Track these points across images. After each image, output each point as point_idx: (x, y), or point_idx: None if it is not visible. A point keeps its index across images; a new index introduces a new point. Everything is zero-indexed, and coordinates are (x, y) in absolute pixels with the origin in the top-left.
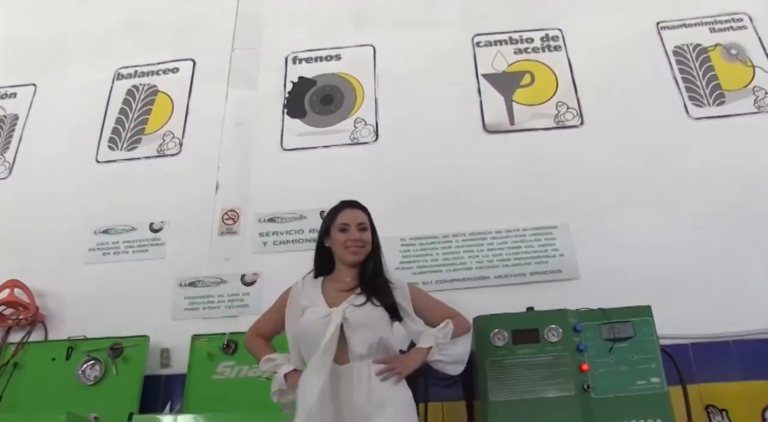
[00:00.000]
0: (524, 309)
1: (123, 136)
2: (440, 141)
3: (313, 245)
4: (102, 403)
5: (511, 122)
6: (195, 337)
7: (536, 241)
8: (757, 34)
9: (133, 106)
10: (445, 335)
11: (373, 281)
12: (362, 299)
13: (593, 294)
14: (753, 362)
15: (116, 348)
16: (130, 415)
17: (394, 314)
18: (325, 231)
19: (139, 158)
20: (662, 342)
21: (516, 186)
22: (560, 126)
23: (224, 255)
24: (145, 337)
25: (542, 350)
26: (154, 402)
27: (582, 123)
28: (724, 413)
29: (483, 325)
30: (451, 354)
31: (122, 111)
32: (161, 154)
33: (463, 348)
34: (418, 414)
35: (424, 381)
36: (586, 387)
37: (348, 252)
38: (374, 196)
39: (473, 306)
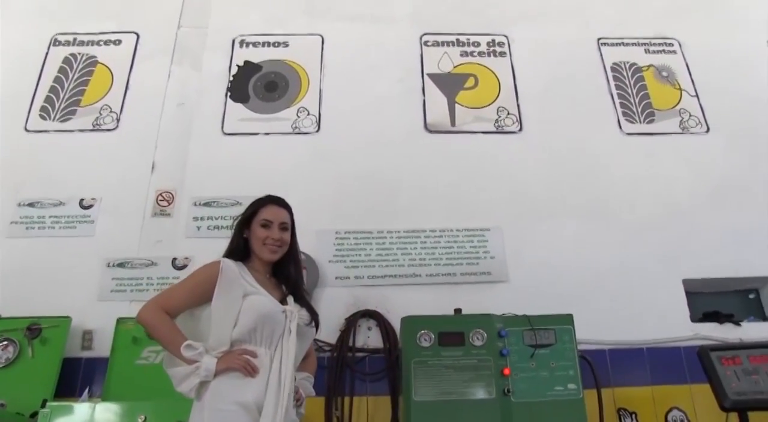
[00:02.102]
0: (453, 310)
1: (57, 106)
2: (381, 137)
3: None
4: (13, 388)
5: (453, 123)
6: (120, 320)
7: (468, 242)
8: (685, 59)
9: (70, 76)
10: (311, 386)
11: (300, 292)
12: (308, 316)
13: (520, 297)
14: (661, 368)
15: (34, 329)
16: (44, 402)
17: (317, 329)
18: (245, 222)
19: (72, 131)
20: (581, 347)
21: (453, 187)
22: (500, 131)
23: (156, 237)
24: (67, 318)
25: (467, 353)
26: (72, 387)
27: (521, 129)
28: (633, 415)
29: (410, 326)
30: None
31: (57, 79)
32: (97, 128)
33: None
34: (342, 408)
35: (351, 376)
36: (507, 390)
37: (266, 250)
38: (312, 186)
39: (403, 303)
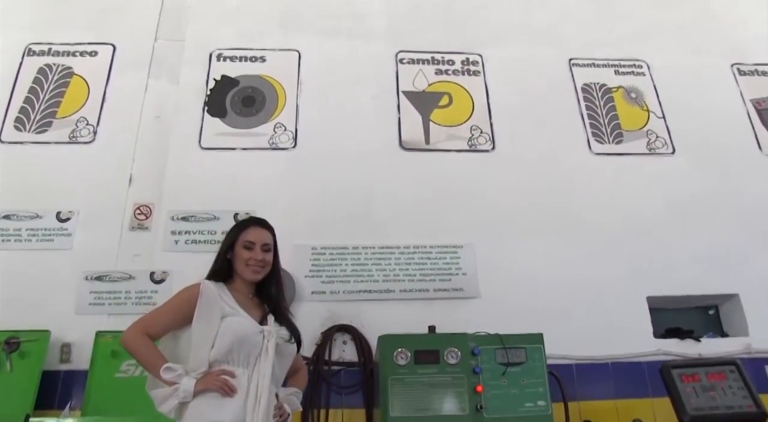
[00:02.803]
0: (426, 325)
1: (32, 117)
2: (357, 153)
3: None
4: None
5: (427, 141)
6: (99, 334)
7: (441, 259)
8: (653, 81)
9: (45, 87)
10: (299, 400)
11: (282, 311)
12: (288, 334)
13: (491, 313)
14: (625, 382)
15: (12, 343)
16: (27, 417)
17: (299, 347)
18: (229, 244)
19: (49, 142)
20: (550, 361)
21: (427, 204)
22: (473, 149)
23: (134, 250)
24: (46, 332)
25: (442, 371)
26: (52, 399)
27: (493, 148)
28: None
29: (387, 344)
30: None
31: (32, 90)
32: (73, 141)
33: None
34: (318, 420)
35: (327, 389)
36: (479, 407)
37: (249, 271)
38: (289, 202)
39: (377, 318)
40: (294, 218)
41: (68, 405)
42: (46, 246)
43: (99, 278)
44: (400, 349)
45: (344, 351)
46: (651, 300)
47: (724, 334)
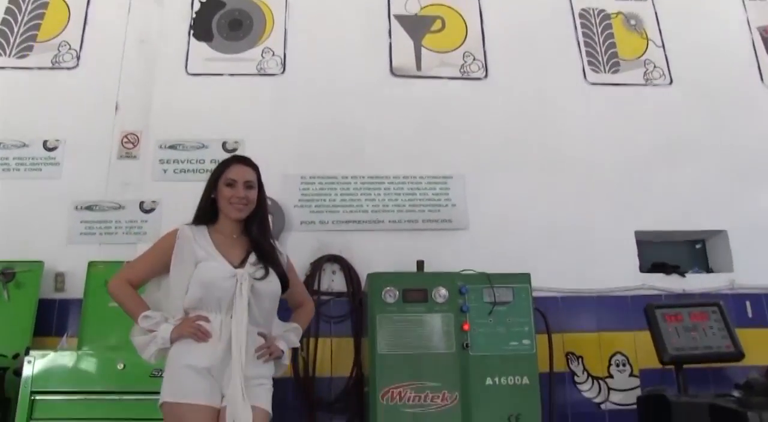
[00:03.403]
0: (414, 256)
1: (11, 41)
2: (347, 79)
3: None
4: None
5: (418, 67)
6: (91, 264)
7: (431, 190)
8: (654, 7)
9: (22, 8)
10: (298, 336)
11: (264, 247)
12: (263, 272)
13: (479, 245)
14: (608, 315)
15: (8, 273)
16: (27, 349)
17: (285, 286)
18: (213, 183)
19: (30, 68)
20: (536, 294)
21: (417, 133)
22: (465, 77)
23: (123, 179)
24: (40, 263)
25: (430, 309)
26: (49, 327)
27: (486, 76)
28: (580, 359)
29: (376, 282)
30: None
31: (9, 11)
32: (56, 66)
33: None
34: (308, 349)
35: (316, 318)
36: (465, 345)
37: (232, 209)
38: (278, 130)
39: (366, 248)
40: (283, 147)
41: (65, 335)
42: (35, 176)
43: (89, 208)
44: (388, 287)
45: (333, 281)
46: (639, 234)
47: (709, 270)
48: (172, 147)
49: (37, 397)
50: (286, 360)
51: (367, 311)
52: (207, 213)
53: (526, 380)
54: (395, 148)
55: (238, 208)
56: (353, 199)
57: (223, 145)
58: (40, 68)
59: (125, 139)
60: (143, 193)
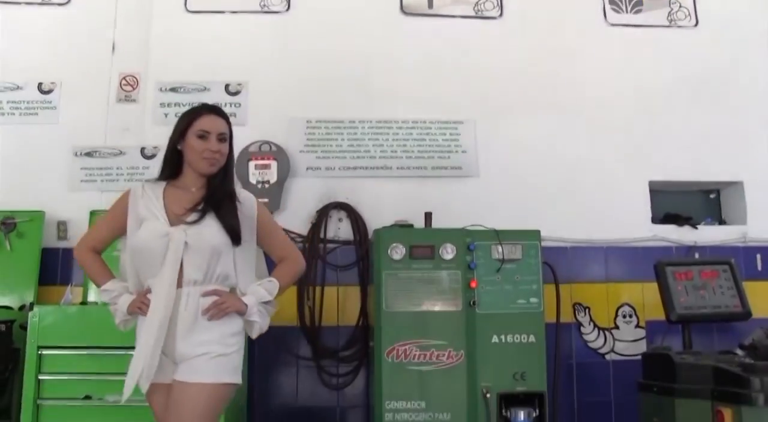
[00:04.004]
0: (423, 204)
1: None
2: (355, 19)
3: None
4: None
5: (430, 5)
6: (93, 213)
7: (441, 135)
8: None
9: None
10: (270, 292)
11: (219, 196)
12: (197, 216)
13: (489, 193)
14: (617, 266)
15: (9, 223)
16: (31, 305)
17: (235, 238)
18: (180, 133)
19: (18, 2)
20: (544, 243)
21: (427, 75)
22: (479, 16)
23: (123, 124)
24: (41, 212)
25: (437, 266)
26: (54, 276)
27: (501, 15)
28: (587, 310)
29: (382, 238)
30: (267, 313)
31: None
32: (46, 2)
33: (274, 306)
34: (314, 298)
35: (322, 266)
36: (472, 303)
37: (204, 163)
38: (282, 72)
39: (373, 195)
40: (288, 89)
41: (69, 286)
42: (31, 121)
43: (89, 154)
44: (395, 244)
45: (339, 228)
46: (653, 184)
47: (722, 222)
48: (173, 90)
49: (44, 352)
50: (255, 316)
51: (373, 267)
52: (173, 167)
53: (532, 338)
54: (404, 92)
55: (210, 162)
56: (360, 144)
57: (226, 87)
58: (28, 3)
59: (124, 81)
60: (144, 139)
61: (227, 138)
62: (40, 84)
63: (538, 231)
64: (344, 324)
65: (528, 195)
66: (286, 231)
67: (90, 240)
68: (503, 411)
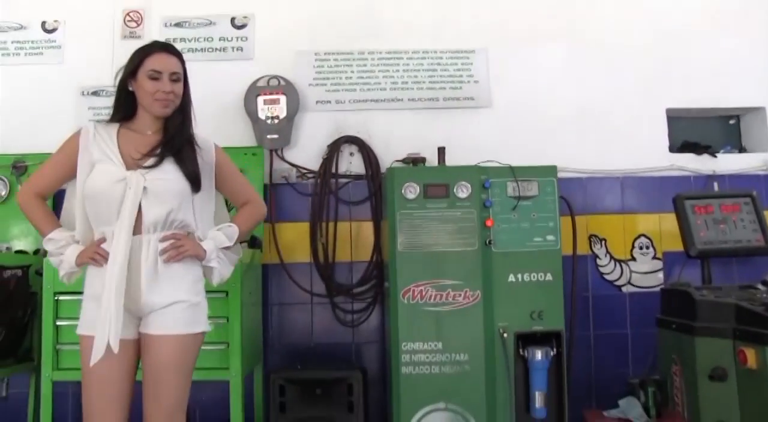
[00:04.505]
0: (435, 137)
1: None
2: None
3: (222, 54)
4: (11, 226)
5: None
6: None
7: (452, 65)
8: None
9: None
10: (230, 237)
11: (177, 141)
12: (154, 161)
13: (502, 124)
14: (634, 197)
15: (20, 167)
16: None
17: (195, 184)
18: (130, 73)
19: None
20: (560, 175)
21: (437, 3)
22: None
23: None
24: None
25: (451, 205)
26: None
27: None
28: (603, 241)
29: (396, 177)
30: (228, 260)
31: None
32: None
33: (237, 253)
34: (327, 234)
35: (335, 201)
36: (488, 241)
37: (157, 105)
38: (288, 2)
39: (385, 128)
40: (294, 21)
41: None
42: (36, 61)
43: (95, 93)
44: (408, 183)
45: (351, 163)
46: (670, 111)
47: (742, 149)
48: (178, 25)
49: (61, 298)
50: (213, 262)
51: (387, 207)
52: (126, 108)
53: (549, 276)
54: (414, 21)
55: (163, 103)
56: (371, 77)
57: (232, 20)
58: None
59: (128, 17)
60: None
61: (181, 78)
62: (43, 23)
63: (555, 167)
64: (358, 260)
65: (542, 125)
66: (297, 166)
67: (34, 185)
68: (520, 350)
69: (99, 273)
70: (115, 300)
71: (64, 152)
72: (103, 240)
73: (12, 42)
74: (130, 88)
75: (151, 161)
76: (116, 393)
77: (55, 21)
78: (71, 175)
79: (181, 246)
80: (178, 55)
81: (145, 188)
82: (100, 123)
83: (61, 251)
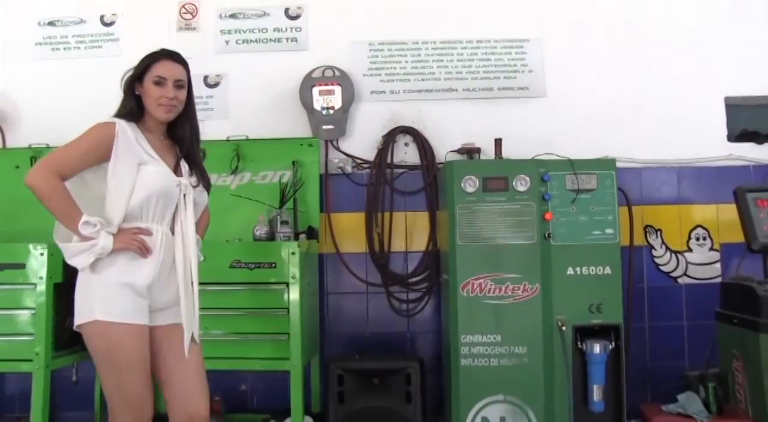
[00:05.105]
0: (490, 127)
1: None
2: None
3: (276, 45)
4: None
5: None
6: None
7: (507, 55)
8: None
9: None
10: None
11: (195, 156)
12: (196, 181)
13: (557, 114)
14: (691, 187)
15: None
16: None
17: (209, 192)
18: (137, 78)
19: None
20: (618, 164)
21: None
22: None
23: (184, 53)
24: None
25: (510, 198)
26: None
27: None
28: (659, 232)
29: (455, 170)
30: None
31: None
32: None
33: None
34: (382, 224)
35: (390, 192)
36: (547, 235)
37: (161, 110)
38: None
39: (439, 118)
40: (349, 11)
41: None
42: (96, 54)
43: None
44: (468, 176)
45: (406, 153)
46: (729, 100)
47: None
48: (232, 16)
49: None
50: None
51: (446, 200)
52: (134, 111)
53: (608, 270)
54: (468, 10)
55: (167, 108)
56: (425, 66)
57: (286, 11)
58: None
59: (183, 9)
60: (206, 67)
61: (185, 85)
62: (102, 16)
63: (614, 161)
64: (413, 250)
65: (596, 114)
66: (353, 157)
67: (58, 167)
68: (579, 343)
69: (138, 263)
70: (186, 292)
71: (95, 143)
72: (142, 232)
73: (73, 36)
74: (137, 92)
75: (194, 181)
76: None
77: (113, 14)
78: (95, 163)
79: None
80: (183, 63)
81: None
82: (125, 121)
83: (96, 235)
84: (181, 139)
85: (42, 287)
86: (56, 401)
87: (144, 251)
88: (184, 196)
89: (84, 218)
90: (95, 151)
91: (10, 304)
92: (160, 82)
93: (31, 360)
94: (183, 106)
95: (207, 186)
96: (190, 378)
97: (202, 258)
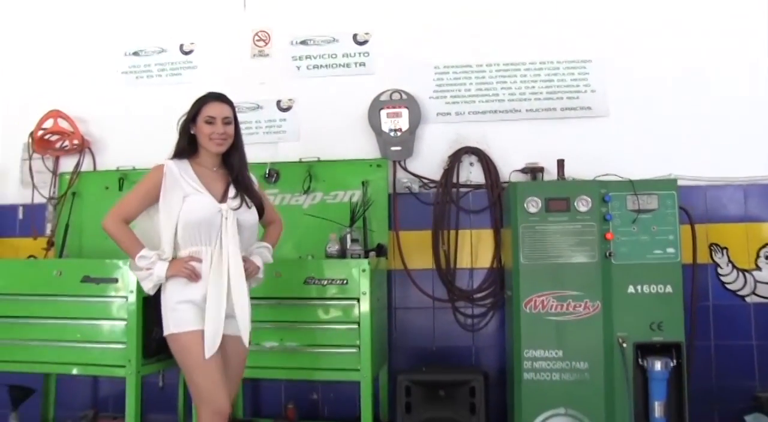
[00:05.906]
0: (553, 147)
1: None
2: None
3: (345, 70)
4: None
5: None
6: None
7: (569, 75)
8: None
9: None
10: (270, 253)
11: (242, 180)
12: (238, 203)
13: (620, 133)
14: (758, 205)
15: None
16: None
17: (261, 214)
18: (191, 120)
19: None
20: (680, 183)
21: (554, 13)
22: None
23: (258, 79)
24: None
25: (572, 218)
26: None
27: None
28: (725, 251)
29: (518, 191)
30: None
31: None
32: None
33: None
34: (448, 241)
35: (456, 210)
36: (608, 254)
37: (213, 144)
38: (408, 19)
39: (503, 138)
40: (414, 36)
41: None
42: (176, 82)
43: None
44: (531, 197)
45: (471, 173)
46: None
47: None
48: (303, 43)
49: None
50: (261, 274)
51: (510, 221)
52: (187, 149)
53: (669, 288)
54: (531, 31)
55: (218, 143)
56: (489, 88)
57: (354, 37)
58: None
59: (256, 37)
60: (279, 92)
61: (232, 121)
62: (181, 45)
63: (675, 181)
64: (478, 267)
65: (659, 134)
66: (420, 177)
67: (123, 212)
68: (640, 360)
69: (192, 284)
70: (220, 310)
71: (149, 185)
72: (194, 259)
73: (155, 64)
74: (192, 132)
75: (236, 203)
76: (223, 376)
77: (192, 43)
78: (151, 204)
79: (250, 267)
80: (229, 102)
81: (237, 219)
82: (174, 161)
83: (151, 266)
84: (231, 166)
85: (132, 299)
86: (144, 404)
87: (193, 277)
88: (226, 219)
89: (141, 253)
90: (150, 193)
91: (105, 315)
92: (210, 122)
93: (123, 366)
94: (232, 140)
95: (258, 206)
96: (229, 379)
97: (270, 260)
